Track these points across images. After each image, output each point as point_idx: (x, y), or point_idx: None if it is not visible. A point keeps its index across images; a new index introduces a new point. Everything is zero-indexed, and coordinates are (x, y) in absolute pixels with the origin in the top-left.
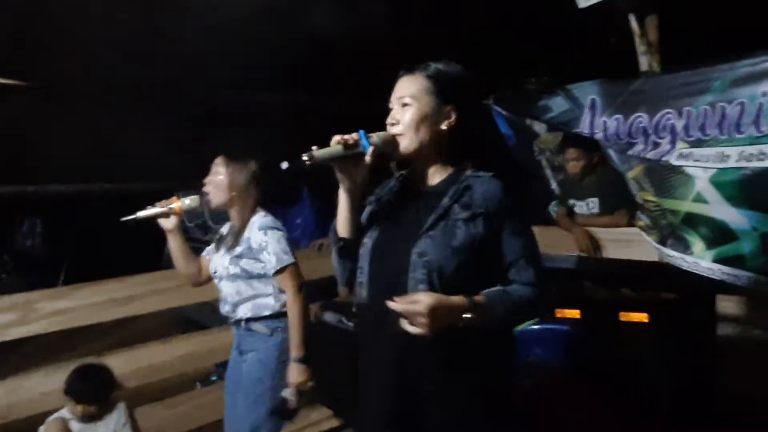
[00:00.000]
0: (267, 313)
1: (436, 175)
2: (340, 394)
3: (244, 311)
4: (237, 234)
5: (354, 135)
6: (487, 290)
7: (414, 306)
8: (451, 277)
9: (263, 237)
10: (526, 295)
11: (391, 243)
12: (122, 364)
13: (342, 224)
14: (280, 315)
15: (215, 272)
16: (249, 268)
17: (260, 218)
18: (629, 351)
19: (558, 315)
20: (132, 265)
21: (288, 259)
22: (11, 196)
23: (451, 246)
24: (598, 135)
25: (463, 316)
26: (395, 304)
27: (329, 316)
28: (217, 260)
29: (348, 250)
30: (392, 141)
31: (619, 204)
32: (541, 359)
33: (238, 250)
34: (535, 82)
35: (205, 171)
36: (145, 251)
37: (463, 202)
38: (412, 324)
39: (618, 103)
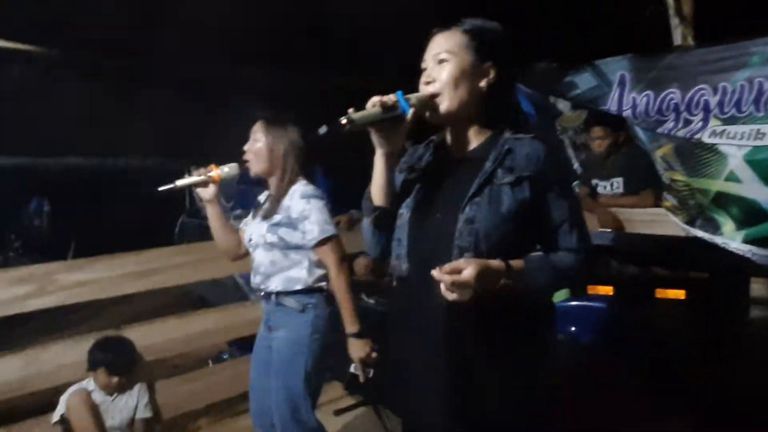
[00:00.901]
0: (299, 287)
1: (474, 139)
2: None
3: (275, 283)
4: (276, 202)
5: (391, 96)
6: (528, 255)
7: (460, 276)
8: (497, 244)
9: (305, 205)
10: (569, 261)
11: (431, 212)
12: (139, 338)
13: (378, 192)
14: (312, 290)
15: (250, 240)
16: (287, 237)
17: (302, 186)
18: (666, 328)
19: (590, 291)
20: (141, 243)
21: (331, 229)
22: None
23: (498, 212)
24: (627, 112)
25: (502, 281)
26: (440, 274)
27: None
28: (253, 228)
29: (384, 219)
30: (430, 101)
31: (645, 184)
32: (574, 336)
33: (277, 218)
34: (561, 57)
35: (218, 147)
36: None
37: (506, 165)
38: (452, 292)
39: (649, 78)
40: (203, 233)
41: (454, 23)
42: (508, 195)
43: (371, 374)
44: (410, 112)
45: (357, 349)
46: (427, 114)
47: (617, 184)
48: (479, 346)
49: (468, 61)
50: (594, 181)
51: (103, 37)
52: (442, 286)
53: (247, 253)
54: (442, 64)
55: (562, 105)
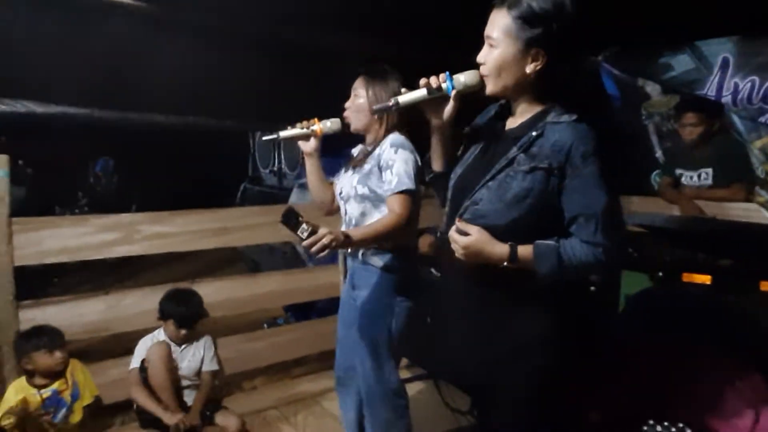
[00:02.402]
0: (385, 243)
1: (522, 115)
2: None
3: None
4: (368, 152)
5: (441, 76)
6: (539, 242)
7: (457, 236)
8: (496, 228)
9: (393, 155)
10: (581, 253)
11: (466, 182)
12: (211, 292)
13: (435, 157)
14: (398, 249)
15: (341, 193)
16: (378, 189)
17: (394, 136)
18: None
19: (685, 279)
20: (203, 206)
21: (408, 183)
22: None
23: (503, 199)
24: (726, 98)
25: (503, 264)
26: (452, 231)
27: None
28: (344, 180)
29: (438, 181)
30: (480, 81)
31: (737, 176)
32: (666, 327)
33: (367, 167)
34: (656, 37)
35: (286, 111)
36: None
37: (530, 152)
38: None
39: (755, 63)
40: (264, 200)
41: (508, 2)
42: (517, 182)
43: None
44: (452, 93)
45: (332, 234)
46: (479, 90)
47: (705, 175)
48: (492, 309)
49: (514, 49)
50: (679, 171)
51: None
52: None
53: (338, 209)
54: (491, 48)
55: (651, 88)
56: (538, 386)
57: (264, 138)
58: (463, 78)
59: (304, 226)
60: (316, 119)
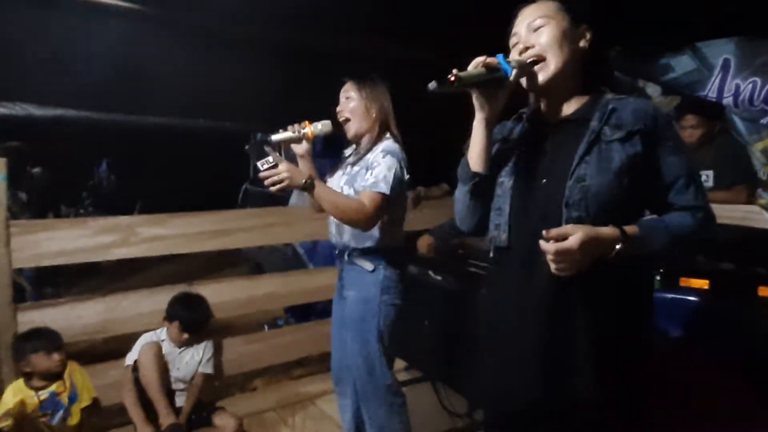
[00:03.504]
0: (369, 244)
1: (573, 104)
2: (419, 347)
3: (348, 237)
4: (361, 156)
5: (494, 59)
6: (643, 219)
7: (565, 243)
8: (608, 203)
9: (380, 159)
10: (687, 223)
11: (536, 178)
12: (211, 294)
13: (476, 158)
14: (383, 250)
15: None
16: (360, 189)
17: (387, 143)
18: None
19: (683, 284)
20: (204, 207)
21: (384, 187)
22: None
23: (610, 169)
24: (727, 100)
25: (616, 247)
26: (545, 243)
27: (413, 270)
28: (334, 181)
29: (483, 187)
30: (531, 66)
31: (738, 179)
32: (663, 332)
33: (356, 169)
34: (657, 38)
35: (290, 112)
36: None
37: (612, 123)
38: (558, 263)
39: (757, 64)
40: (265, 201)
41: None
42: (618, 151)
43: (266, 185)
44: (513, 73)
45: (293, 170)
46: (525, 82)
47: (706, 177)
48: (582, 320)
49: (566, 23)
50: None
51: None
52: (548, 257)
53: None
54: (539, 30)
55: (652, 89)
56: (620, 397)
57: (256, 141)
58: (515, 62)
59: (269, 158)
60: (306, 122)
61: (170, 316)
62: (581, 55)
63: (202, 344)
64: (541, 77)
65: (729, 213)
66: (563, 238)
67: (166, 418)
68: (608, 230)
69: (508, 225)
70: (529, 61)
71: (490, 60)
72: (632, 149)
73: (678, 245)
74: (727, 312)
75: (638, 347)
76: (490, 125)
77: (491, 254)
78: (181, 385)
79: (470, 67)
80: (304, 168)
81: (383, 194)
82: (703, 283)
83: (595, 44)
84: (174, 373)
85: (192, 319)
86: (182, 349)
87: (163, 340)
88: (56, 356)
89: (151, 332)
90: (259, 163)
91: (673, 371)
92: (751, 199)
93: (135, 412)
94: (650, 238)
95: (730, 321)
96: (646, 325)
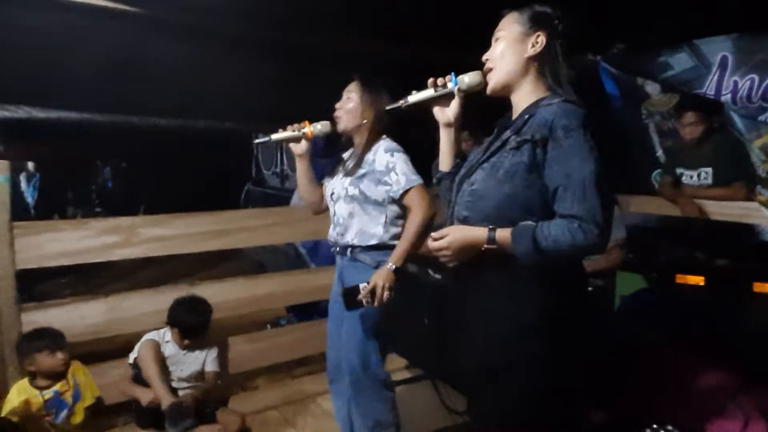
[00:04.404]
0: (374, 242)
1: (520, 105)
2: (419, 344)
3: (351, 235)
4: (360, 157)
5: (447, 77)
6: (520, 223)
7: (438, 242)
8: (493, 207)
9: (390, 158)
10: (558, 232)
11: (465, 175)
12: (212, 294)
13: (441, 158)
14: (386, 248)
15: (332, 194)
16: (368, 192)
17: (386, 142)
18: (764, 325)
19: (679, 281)
20: (207, 208)
21: (416, 179)
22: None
23: (495, 176)
24: (725, 97)
25: (484, 247)
26: (429, 241)
27: (413, 267)
28: (335, 183)
29: (444, 181)
30: (482, 80)
31: (737, 175)
32: (659, 328)
33: (361, 171)
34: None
35: (290, 114)
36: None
37: (522, 132)
38: (440, 256)
39: (755, 61)
40: (266, 201)
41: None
42: (508, 159)
43: (367, 303)
44: (455, 88)
45: (382, 277)
46: (482, 89)
47: (705, 174)
48: (477, 304)
49: (516, 32)
50: (679, 171)
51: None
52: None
53: (327, 209)
54: (496, 43)
55: (651, 87)
56: (531, 378)
57: (256, 141)
58: (467, 78)
59: (363, 301)
60: (306, 122)
61: (171, 322)
62: (528, 61)
63: (206, 348)
64: (489, 86)
65: (728, 210)
66: (441, 238)
67: (166, 399)
68: (479, 232)
69: (450, 219)
70: (480, 75)
71: (440, 78)
72: (518, 158)
73: (548, 253)
74: (721, 309)
75: (555, 335)
76: (448, 131)
77: None
78: (185, 384)
79: (429, 83)
80: (302, 167)
81: (420, 183)
82: (698, 280)
83: (550, 48)
84: (178, 374)
85: (191, 327)
86: (184, 351)
87: (167, 341)
88: (60, 355)
89: (155, 332)
90: (364, 304)
91: (670, 367)
92: (750, 196)
93: (133, 389)
94: (515, 242)
95: (724, 317)
96: (568, 318)
